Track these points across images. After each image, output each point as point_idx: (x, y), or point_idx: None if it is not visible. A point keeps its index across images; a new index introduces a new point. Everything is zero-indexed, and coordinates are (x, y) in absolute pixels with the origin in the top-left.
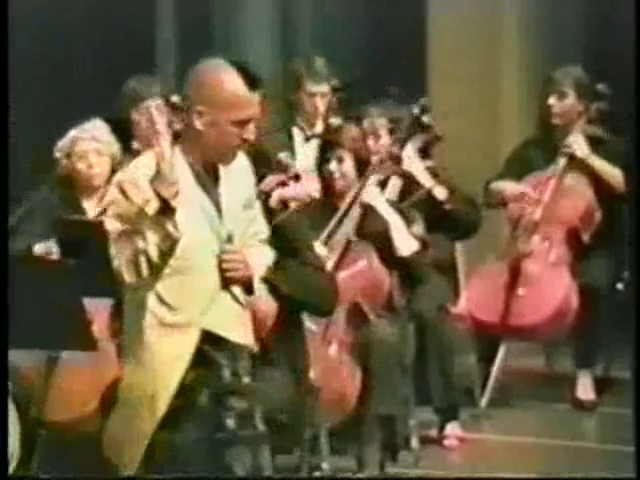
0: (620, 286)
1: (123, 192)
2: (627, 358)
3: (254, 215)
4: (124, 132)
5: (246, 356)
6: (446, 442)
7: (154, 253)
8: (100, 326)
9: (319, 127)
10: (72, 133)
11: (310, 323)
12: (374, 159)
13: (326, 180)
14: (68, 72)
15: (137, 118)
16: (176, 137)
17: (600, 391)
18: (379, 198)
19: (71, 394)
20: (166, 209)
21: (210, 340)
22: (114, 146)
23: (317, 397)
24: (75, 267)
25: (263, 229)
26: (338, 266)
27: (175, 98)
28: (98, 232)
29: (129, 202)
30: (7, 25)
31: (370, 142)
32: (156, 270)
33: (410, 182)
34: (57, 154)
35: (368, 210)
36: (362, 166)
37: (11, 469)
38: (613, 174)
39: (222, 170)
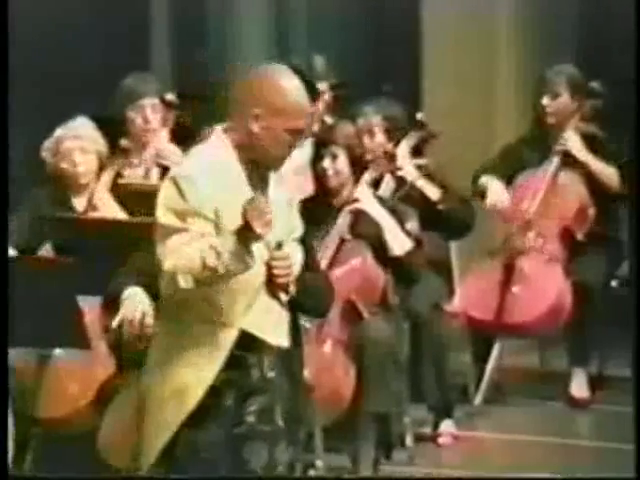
0: (614, 284)
1: (177, 187)
2: (621, 355)
3: (293, 212)
4: (114, 130)
5: (273, 351)
6: (440, 440)
7: (222, 272)
8: (91, 324)
9: (316, 125)
10: (57, 132)
11: (304, 321)
12: (369, 157)
13: (320, 177)
14: (63, 70)
15: (132, 116)
16: (172, 134)
17: (594, 388)
18: (371, 200)
19: (63, 391)
20: (250, 240)
21: (242, 343)
22: (100, 143)
23: (311, 395)
24: (69, 265)
25: (299, 226)
26: (332, 264)
27: (170, 96)
28: (90, 230)
29: (182, 198)
30: (7, 24)
31: (365, 140)
32: (215, 282)
33: (404, 180)
34: (43, 154)
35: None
36: (357, 163)
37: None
38: (607, 173)
39: (271, 177)
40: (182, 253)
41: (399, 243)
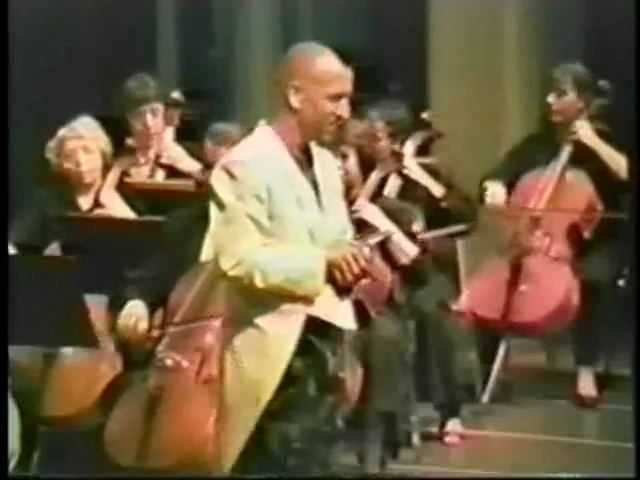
0: (621, 282)
1: (229, 173)
2: (628, 355)
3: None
4: (120, 129)
5: (348, 345)
6: (447, 439)
7: (297, 291)
8: (98, 322)
9: None
10: (61, 132)
11: None
12: (377, 157)
13: None
14: (70, 69)
15: (133, 122)
16: (178, 132)
17: (601, 387)
18: (373, 210)
19: (70, 389)
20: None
21: (311, 329)
22: (104, 142)
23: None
24: (76, 264)
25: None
26: None
27: (175, 94)
28: (96, 228)
29: (235, 180)
30: (7, 22)
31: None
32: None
33: (410, 179)
34: (48, 154)
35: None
36: (366, 164)
37: (11, 466)
38: (617, 160)
39: (316, 157)
40: (272, 266)
41: (404, 252)
